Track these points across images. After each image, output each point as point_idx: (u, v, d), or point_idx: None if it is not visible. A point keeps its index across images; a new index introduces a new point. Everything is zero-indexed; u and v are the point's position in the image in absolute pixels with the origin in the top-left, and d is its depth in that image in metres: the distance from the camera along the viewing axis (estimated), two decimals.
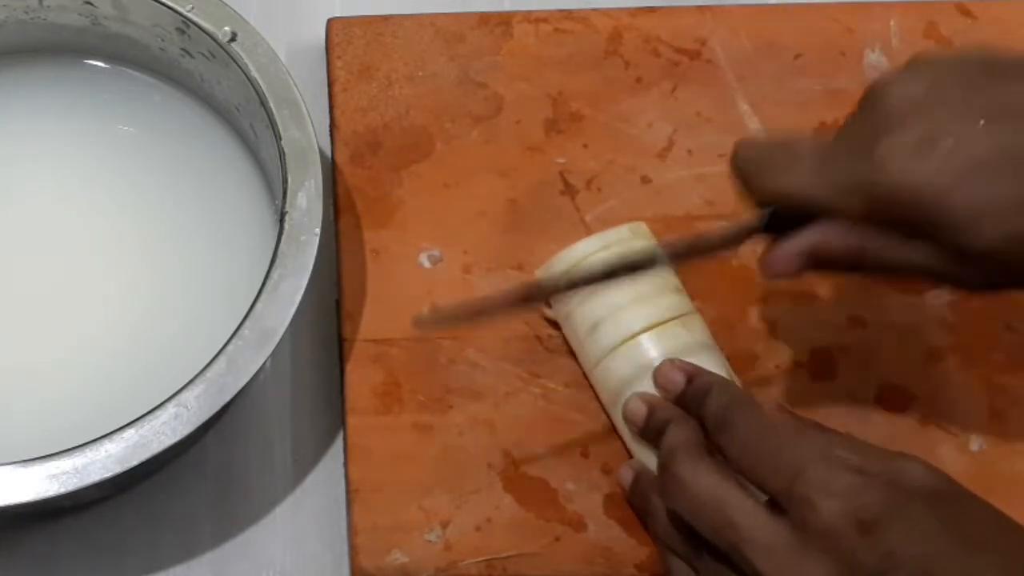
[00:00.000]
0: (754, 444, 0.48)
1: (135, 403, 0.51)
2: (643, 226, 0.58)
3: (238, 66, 0.56)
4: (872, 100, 0.48)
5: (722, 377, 0.54)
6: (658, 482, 0.51)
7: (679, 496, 0.49)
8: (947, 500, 0.46)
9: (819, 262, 0.50)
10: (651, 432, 0.53)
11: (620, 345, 0.55)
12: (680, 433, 0.51)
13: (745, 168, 0.51)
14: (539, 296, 0.56)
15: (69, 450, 0.49)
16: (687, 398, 0.52)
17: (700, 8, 0.66)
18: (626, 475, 0.55)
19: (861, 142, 0.47)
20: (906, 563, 0.44)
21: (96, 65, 0.62)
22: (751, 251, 0.54)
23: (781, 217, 0.50)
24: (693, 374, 0.53)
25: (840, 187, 0.48)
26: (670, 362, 0.54)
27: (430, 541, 0.55)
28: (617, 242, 0.56)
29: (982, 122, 0.46)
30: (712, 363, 0.54)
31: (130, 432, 0.49)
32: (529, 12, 0.65)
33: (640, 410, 0.54)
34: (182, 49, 0.59)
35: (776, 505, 0.46)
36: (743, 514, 0.47)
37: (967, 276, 0.47)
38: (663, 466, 0.50)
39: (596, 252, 0.56)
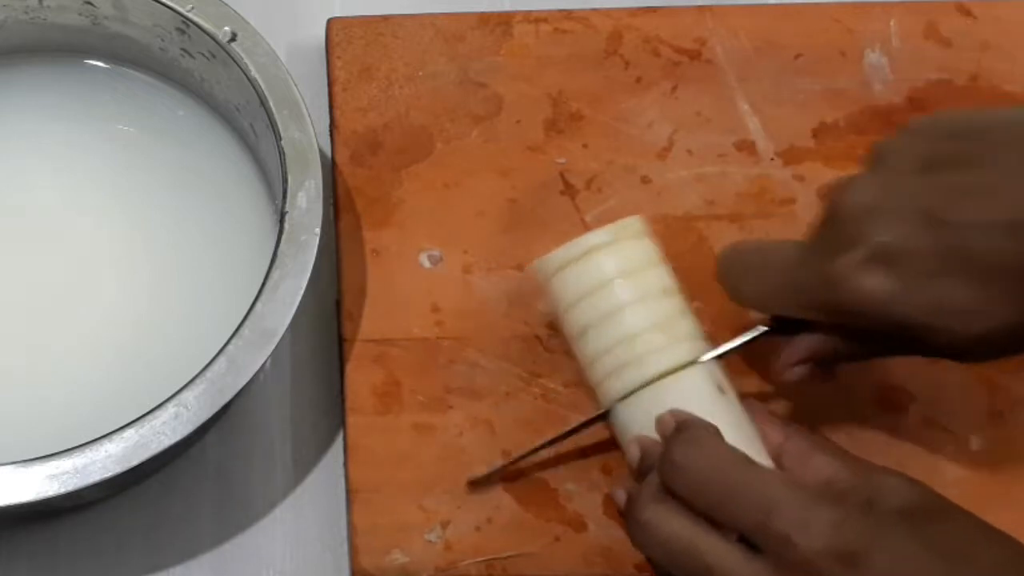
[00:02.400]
0: (713, 482, 0.47)
1: (135, 403, 0.51)
2: (641, 221, 0.55)
3: (238, 66, 0.56)
4: (831, 210, 0.48)
5: (696, 421, 0.50)
6: (629, 531, 0.50)
7: (649, 543, 0.48)
8: (929, 517, 0.45)
9: (823, 363, 0.51)
10: (643, 478, 0.51)
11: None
12: (650, 479, 0.49)
13: (727, 274, 0.53)
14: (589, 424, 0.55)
15: (69, 450, 0.49)
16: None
17: (700, 8, 0.66)
18: (619, 497, 0.54)
19: (821, 256, 0.48)
20: None
21: (96, 65, 0.62)
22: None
23: (783, 320, 0.52)
24: (682, 422, 0.50)
25: (805, 303, 0.49)
26: (670, 413, 0.51)
27: (430, 541, 0.55)
28: (623, 236, 0.54)
29: (929, 225, 0.45)
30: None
31: (130, 432, 0.49)
32: (529, 12, 0.65)
33: (634, 456, 0.52)
34: (182, 49, 0.59)
35: (749, 543, 0.46)
36: (718, 557, 0.46)
37: (962, 357, 0.48)
38: (627, 514, 0.50)
39: (603, 246, 0.53)
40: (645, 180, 0.62)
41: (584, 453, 0.57)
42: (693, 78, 0.64)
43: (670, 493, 0.48)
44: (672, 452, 0.48)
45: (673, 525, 0.47)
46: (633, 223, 0.54)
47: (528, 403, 0.58)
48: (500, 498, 0.56)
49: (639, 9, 0.66)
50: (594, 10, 0.66)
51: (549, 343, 0.59)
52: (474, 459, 0.56)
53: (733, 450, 0.48)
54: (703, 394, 0.51)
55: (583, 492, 0.56)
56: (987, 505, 0.47)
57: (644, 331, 0.52)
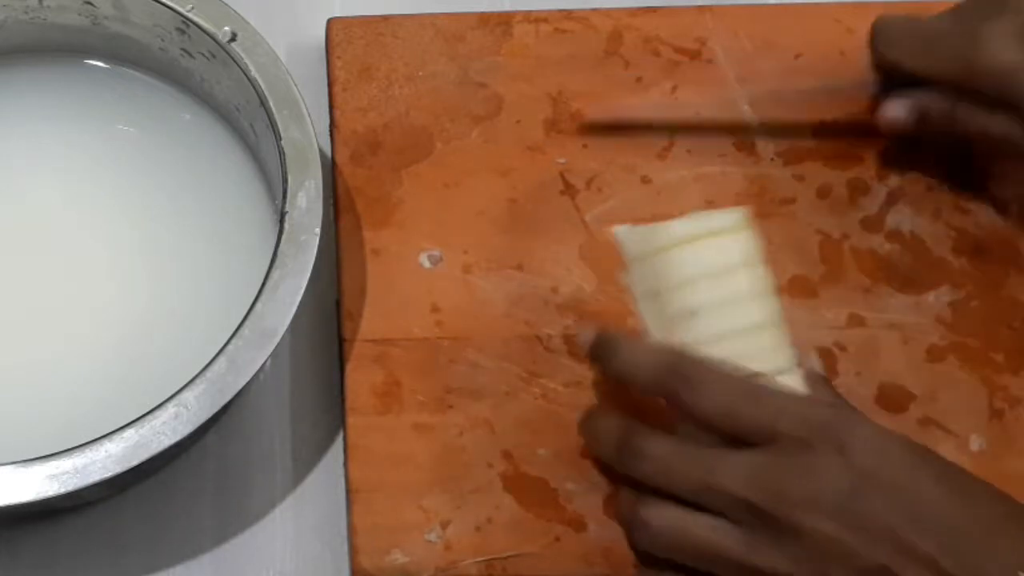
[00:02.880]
0: (729, 395, 0.50)
1: (135, 403, 0.51)
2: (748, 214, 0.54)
3: (238, 66, 0.56)
4: None
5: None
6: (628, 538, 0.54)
7: (648, 541, 0.52)
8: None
9: (920, 120, 0.58)
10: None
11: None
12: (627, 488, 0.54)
13: (876, 39, 0.59)
14: None
15: (69, 450, 0.49)
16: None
17: (700, 8, 0.66)
18: (584, 337, 0.56)
19: (970, 23, 0.55)
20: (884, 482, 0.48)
21: (96, 65, 0.62)
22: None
23: (896, 82, 0.59)
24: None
25: (943, 59, 0.56)
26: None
27: (430, 541, 0.55)
28: (741, 225, 0.53)
29: None
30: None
31: (130, 432, 0.49)
32: (529, 12, 0.65)
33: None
34: (182, 49, 0.59)
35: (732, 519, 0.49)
36: (707, 531, 0.49)
37: None
38: (623, 522, 0.54)
39: (726, 231, 0.53)
40: (645, 180, 0.62)
41: (584, 453, 0.57)
42: (693, 78, 0.64)
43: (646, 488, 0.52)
44: (625, 450, 0.52)
45: (672, 517, 0.50)
46: (744, 214, 0.53)
47: (528, 403, 0.58)
48: (500, 498, 0.56)
49: (639, 9, 0.66)
50: (594, 10, 0.66)
51: (549, 343, 0.59)
52: (474, 459, 0.56)
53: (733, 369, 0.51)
54: None
55: (583, 492, 0.56)
56: None
57: (769, 326, 0.52)
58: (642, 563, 0.53)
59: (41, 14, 0.59)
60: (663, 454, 0.51)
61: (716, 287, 0.52)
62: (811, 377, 0.53)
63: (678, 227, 0.53)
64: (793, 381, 0.52)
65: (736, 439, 0.50)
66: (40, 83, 0.61)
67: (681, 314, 0.52)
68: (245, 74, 0.56)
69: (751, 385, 0.50)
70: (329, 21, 0.65)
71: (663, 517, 0.51)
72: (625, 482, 0.53)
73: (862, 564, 0.47)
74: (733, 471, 0.49)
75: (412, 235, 0.61)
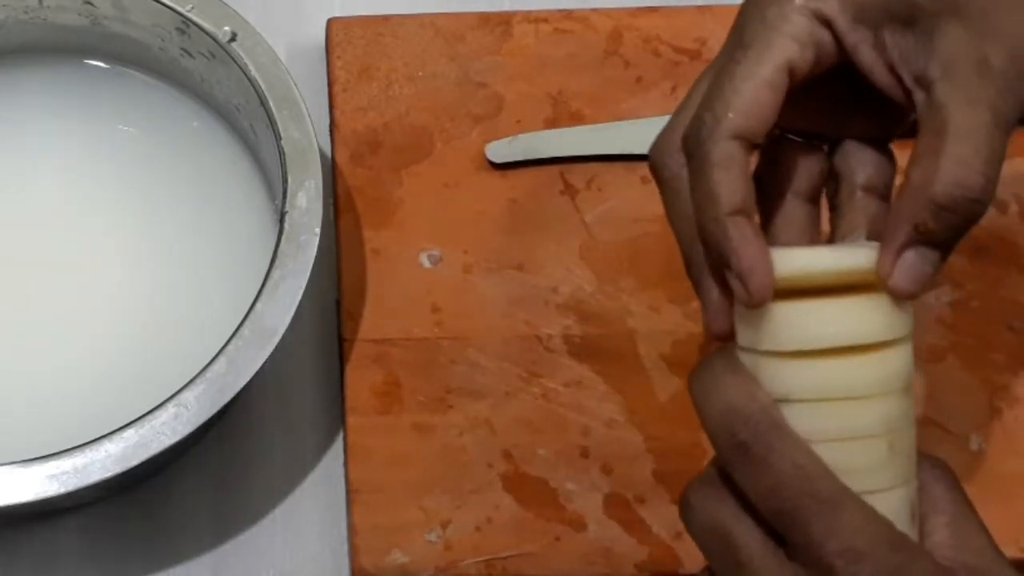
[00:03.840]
0: (774, 498, 0.39)
1: (135, 403, 0.51)
2: None
3: (238, 66, 0.56)
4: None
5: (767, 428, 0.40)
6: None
7: (690, 524, 0.42)
8: None
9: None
10: None
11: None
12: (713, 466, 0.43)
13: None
14: None
15: (69, 450, 0.49)
16: None
17: (700, 8, 0.66)
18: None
19: None
20: None
21: (96, 65, 0.62)
22: None
23: None
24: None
25: None
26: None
27: (430, 541, 0.55)
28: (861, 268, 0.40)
29: None
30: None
31: (130, 432, 0.49)
32: (529, 12, 0.65)
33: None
34: (182, 49, 0.59)
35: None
36: (752, 556, 0.40)
37: None
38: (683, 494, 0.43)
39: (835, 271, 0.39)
40: (645, 180, 0.62)
41: (584, 453, 0.57)
42: (693, 78, 0.64)
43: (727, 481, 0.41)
44: (731, 457, 0.40)
45: (716, 513, 0.41)
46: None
47: (528, 403, 0.58)
48: (500, 498, 0.56)
49: (639, 9, 0.65)
50: (594, 10, 0.66)
51: (549, 343, 0.59)
52: (474, 459, 0.56)
53: (802, 463, 0.39)
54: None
55: (583, 492, 0.56)
56: (987, 505, 0.47)
57: (873, 436, 0.39)
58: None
59: (41, 14, 0.59)
60: (708, 522, 0.41)
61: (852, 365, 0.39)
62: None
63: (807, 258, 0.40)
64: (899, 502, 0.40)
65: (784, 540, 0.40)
66: (40, 83, 0.61)
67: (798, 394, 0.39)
68: (245, 74, 0.56)
69: (823, 488, 0.38)
70: (329, 21, 0.65)
71: (715, 511, 0.41)
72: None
73: None
74: None
75: (412, 235, 0.61)
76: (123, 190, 0.60)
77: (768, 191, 0.44)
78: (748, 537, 0.40)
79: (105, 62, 0.62)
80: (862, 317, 0.39)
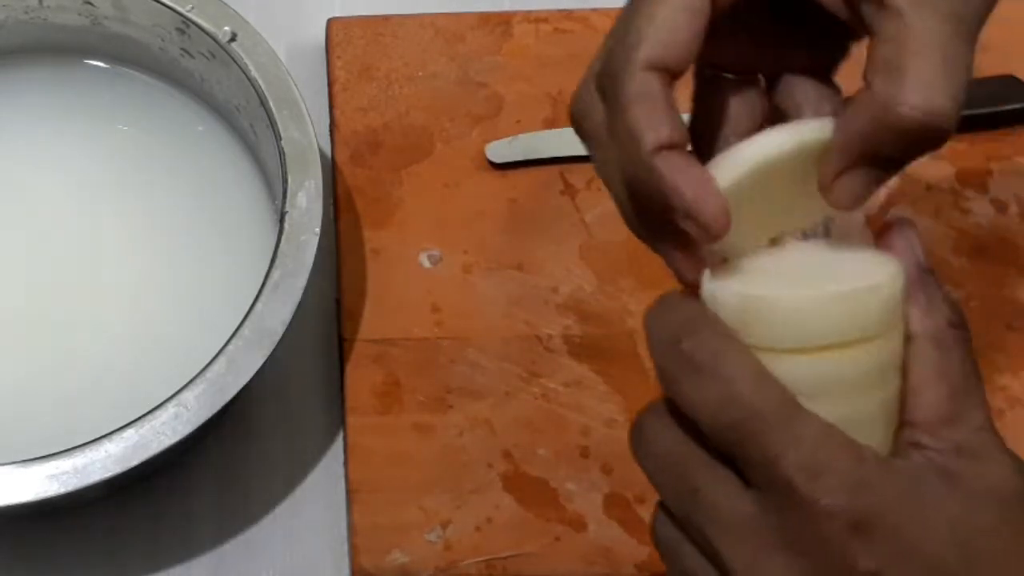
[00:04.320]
0: (722, 413, 0.35)
1: (135, 403, 0.51)
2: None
3: (238, 66, 0.56)
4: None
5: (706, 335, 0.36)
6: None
7: (642, 454, 0.38)
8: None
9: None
10: None
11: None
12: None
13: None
14: None
15: (69, 450, 0.49)
16: None
17: None
18: None
19: None
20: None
21: (96, 65, 0.62)
22: None
23: None
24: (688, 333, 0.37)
25: None
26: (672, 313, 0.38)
27: (430, 541, 0.55)
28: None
29: None
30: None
31: (130, 432, 0.49)
32: (529, 12, 0.65)
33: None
34: (182, 49, 0.59)
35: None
36: (708, 481, 0.36)
37: None
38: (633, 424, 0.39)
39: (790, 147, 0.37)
40: None
41: (584, 453, 0.57)
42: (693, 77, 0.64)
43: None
44: (673, 370, 0.36)
45: (668, 440, 0.37)
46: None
47: (528, 403, 0.58)
48: (500, 498, 0.56)
49: None
50: (594, 10, 0.66)
51: (549, 343, 0.59)
52: (474, 459, 0.56)
53: (751, 372, 0.35)
54: None
55: (583, 492, 0.56)
56: None
57: (873, 421, 0.37)
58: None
59: (41, 14, 0.59)
60: (659, 450, 0.38)
61: (856, 358, 0.36)
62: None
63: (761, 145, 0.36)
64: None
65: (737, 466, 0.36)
66: (40, 83, 0.61)
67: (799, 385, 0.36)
68: (245, 74, 0.56)
69: (776, 396, 0.35)
70: (329, 21, 0.65)
71: (667, 439, 0.37)
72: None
73: None
74: (723, 518, 0.36)
75: (412, 235, 0.61)
76: (123, 190, 0.60)
77: (704, 136, 0.39)
78: (702, 464, 0.36)
79: (105, 62, 0.62)
80: (858, 310, 0.36)
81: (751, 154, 0.36)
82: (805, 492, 0.34)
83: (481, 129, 0.63)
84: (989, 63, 0.65)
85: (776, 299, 0.35)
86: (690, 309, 0.37)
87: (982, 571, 0.34)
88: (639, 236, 0.39)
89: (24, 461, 0.49)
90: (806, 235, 0.38)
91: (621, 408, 0.58)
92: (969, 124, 0.64)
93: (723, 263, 0.38)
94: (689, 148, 0.36)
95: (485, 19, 0.65)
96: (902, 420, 0.36)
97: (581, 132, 0.39)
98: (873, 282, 0.36)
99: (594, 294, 0.60)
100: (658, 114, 0.35)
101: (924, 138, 0.35)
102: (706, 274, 0.37)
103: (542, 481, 0.56)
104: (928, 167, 0.63)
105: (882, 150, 0.36)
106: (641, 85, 0.35)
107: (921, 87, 0.34)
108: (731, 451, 0.35)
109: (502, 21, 0.65)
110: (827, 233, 0.39)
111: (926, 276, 0.37)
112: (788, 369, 0.36)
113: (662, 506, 0.38)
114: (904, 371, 0.36)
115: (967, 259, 0.61)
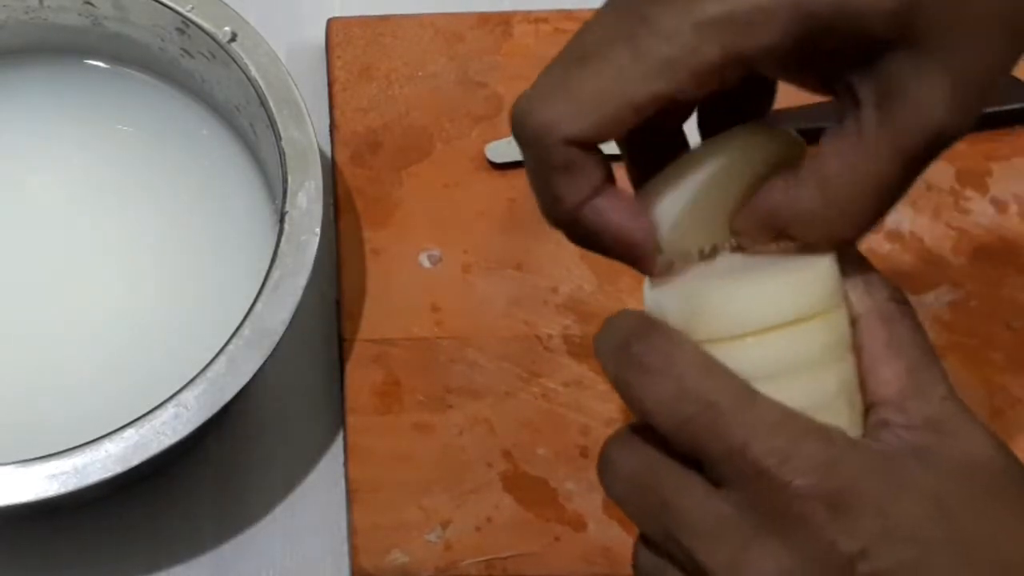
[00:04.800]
0: (676, 409, 0.35)
1: (135, 403, 0.51)
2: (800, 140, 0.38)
3: (238, 66, 0.56)
4: None
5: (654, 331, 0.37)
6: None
7: (610, 483, 0.37)
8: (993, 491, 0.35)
9: None
10: None
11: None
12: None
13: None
14: None
15: (69, 450, 0.49)
16: None
17: None
18: None
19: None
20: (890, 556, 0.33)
21: (96, 65, 0.62)
22: None
23: None
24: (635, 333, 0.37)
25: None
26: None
27: (430, 541, 0.55)
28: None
29: None
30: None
31: (130, 432, 0.49)
32: (529, 12, 0.65)
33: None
34: (182, 49, 0.59)
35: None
36: (676, 489, 0.35)
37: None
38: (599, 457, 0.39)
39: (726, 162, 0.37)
40: None
41: (584, 453, 0.57)
42: None
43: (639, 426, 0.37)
44: (626, 375, 0.36)
45: (633, 460, 0.36)
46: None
47: (528, 403, 0.58)
48: (500, 498, 0.56)
49: None
50: (594, 10, 0.65)
51: (549, 343, 0.59)
52: (474, 459, 0.56)
53: (702, 365, 0.35)
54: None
55: (583, 492, 0.56)
56: None
57: (832, 401, 0.36)
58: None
59: (41, 14, 0.59)
60: (625, 472, 0.37)
61: (785, 343, 0.36)
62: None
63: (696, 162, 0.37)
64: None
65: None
66: (40, 83, 0.61)
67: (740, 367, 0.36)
68: (245, 74, 0.56)
69: (729, 385, 0.35)
70: (329, 21, 0.65)
71: (633, 459, 0.37)
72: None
73: None
74: (696, 522, 0.35)
75: (412, 235, 0.61)
76: (123, 190, 0.60)
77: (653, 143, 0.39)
78: (668, 475, 0.36)
79: (105, 62, 0.62)
80: (798, 287, 0.36)
81: (693, 166, 0.37)
82: (777, 475, 0.33)
83: (481, 129, 0.63)
84: None
85: (714, 288, 0.36)
86: (636, 316, 0.37)
87: (970, 543, 0.34)
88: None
89: (24, 461, 0.49)
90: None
91: (621, 408, 0.58)
92: None
93: (668, 268, 0.38)
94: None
95: (485, 19, 0.65)
96: (867, 404, 0.36)
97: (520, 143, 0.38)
98: (808, 261, 0.36)
99: (594, 294, 0.60)
100: (579, 180, 0.36)
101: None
102: (647, 283, 0.38)
103: (542, 481, 0.57)
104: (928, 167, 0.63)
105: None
106: (567, 157, 0.35)
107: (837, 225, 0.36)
108: (693, 451, 0.35)
109: (502, 21, 0.65)
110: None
111: (860, 259, 0.38)
112: (738, 356, 0.35)
113: (642, 538, 0.37)
114: (857, 353, 0.36)
115: (967, 259, 0.61)
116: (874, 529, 0.33)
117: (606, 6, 0.36)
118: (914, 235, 0.62)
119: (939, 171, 0.64)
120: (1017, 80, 0.65)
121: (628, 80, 0.34)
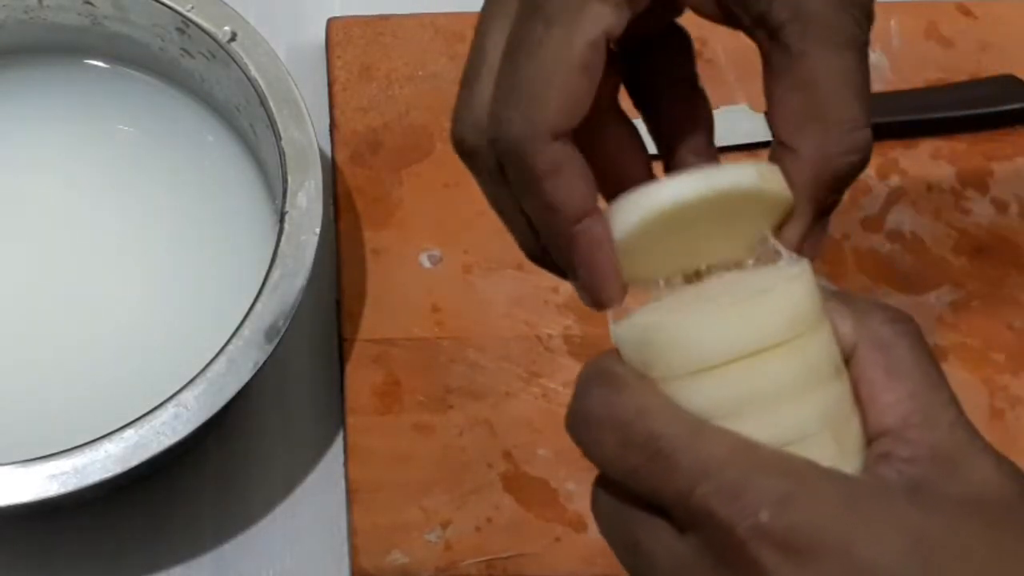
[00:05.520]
0: (635, 440, 0.33)
1: (135, 403, 0.51)
2: (776, 172, 0.36)
3: (238, 66, 0.56)
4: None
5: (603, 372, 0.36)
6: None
7: (595, 515, 0.38)
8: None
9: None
10: None
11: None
12: None
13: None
14: None
15: (69, 450, 0.49)
16: None
17: None
18: None
19: None
20: None
21: (96, 65, 0.62)
22: None
23: None
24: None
25: None
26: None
27: (430, 541, 0.55)
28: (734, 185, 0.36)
29: None
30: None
31: (130, 432, 0.49)
32: None
33: None
34: (182, 49, 0.59)
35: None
36: (647, 533, 0.34)
37: None
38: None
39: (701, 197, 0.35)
40: None
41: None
42: None
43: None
44: (575, 432, 0.36)
45: (611, 501, 0.36)
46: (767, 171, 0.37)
47: (528, 403, 0.58)
48: (500, 498, 0.56)
49: None
50: None
51: (549, 343, 0.59)
52: (474, 459, 0.56)
53: (644, 409, 0.33)
54: None
55: (583, 492, 0.56)
56: None
57: (813, 434, 0.33)
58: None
59: (41, 14, 0.59)
60: (607, 510, 0.37)
61: (742, 376, 0.33)
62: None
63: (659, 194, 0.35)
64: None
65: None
66: (40, 83, 0.61)
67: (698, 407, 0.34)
68: (245, 74, 0.56)
69: (671, 422, 0.33)
70: (329, 21, 0.65)
71: (608, 509, 0.36)
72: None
73: None
74: (660, 566, 0.34)
75: (412, 235, 0.61)
76: (123, 190, 0.60)
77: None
78: (640, 517, 0.34)
79: (105, 62, 0.62)
80: (755, 316, 0.33)
81: (660, 199, 0.35)
82: (724, 518, 0.31)
83: None
84: (989, 63, 0.66)
85: (667, 322, 0.34)
86: (590, 365, 0.36)
87: None
88: (535, 262, 0.39)
89: (24, 461, 0.49)
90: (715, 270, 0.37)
91: None
92: (969, 124, 0.65)
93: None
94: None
95: None
96: (870, 437, 0.33)
97: (472, 167, 0.38)
98: (766, 287, 0.34)
99: None
100: (574, 184, 0.35)
101: (855, 175, 0.35)
102: (609, 314, 0.36)
103: (542, 481, 0.56)
104: (928, 167, 0.64)
105: (829, 200, 0.36)
106: (553, 157, 0.34)
107: (849, 131, 0.34)
108: (650, 498, 0.33)
109: None
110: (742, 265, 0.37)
111: (845, 293, 0.36)
112: (697, 393, 0.33)
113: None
114: (856, 385, 0.34)
115: (967, 259, 0.61)
116: (833, 572, 0.30)
117: (485, 7, 0.36)
118: (915, 235, 0.62)
119: (940, 171, 0.64)
120: (1017, 80, 0.65)
121: (562, 45, 0.33)
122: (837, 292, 0.36)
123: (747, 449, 0.32)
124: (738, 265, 0.37)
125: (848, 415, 0.34)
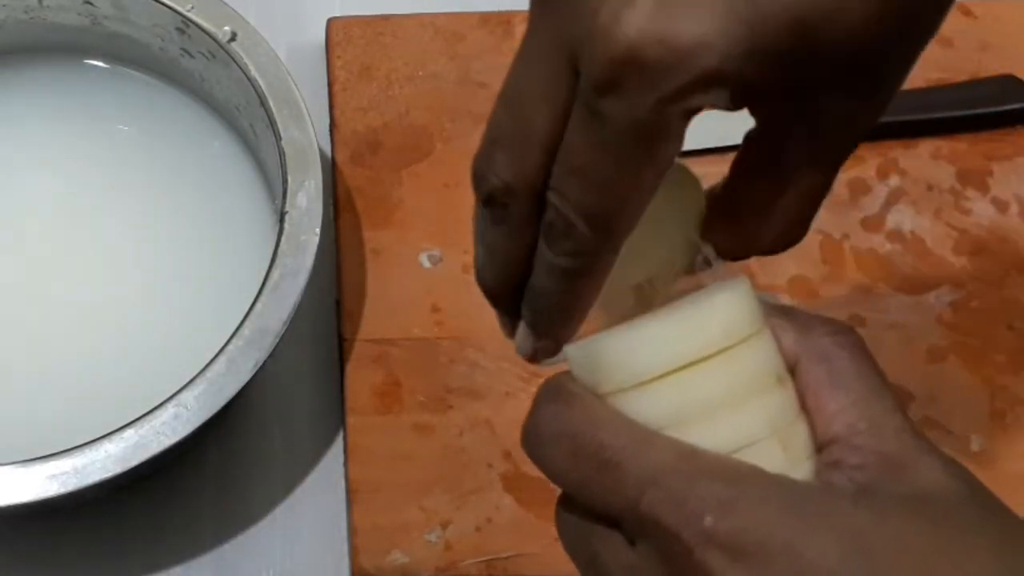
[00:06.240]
0: (583, 450, 0.34)
1: (135, 403, 0.51)
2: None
3: (238, 66, 0.56)
4: None
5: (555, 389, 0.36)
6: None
7: (559, 531, 0.38)
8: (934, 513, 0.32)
9: None
10: None
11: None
12: None
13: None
14: None
15: (69, 450, 0.49)
16: None
17: None
18: None
19: None
20: None
21: (96, 65, 0.62)
22: None
23: None
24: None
25: None
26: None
27: (430, 541, 0.55)
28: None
29: None
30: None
31: (130, 432, 0.49)
32: None
33: None
34: (182, 49, 0.59)
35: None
36: (603, 544, 0.35)
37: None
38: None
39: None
40: None
41: None
42: None
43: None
44: (529, 450, 0.36)
45: (571, 517, 0.36)
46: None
47: (528, 403, 0.57)
48: (500, 498, 0.56)
49: None
50: None
51: None
52: (474, 459, 0.56)
53: (592, 421, 0.34)
54: None
55: None
56: None
57: (758, 440, 0.34)
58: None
59: (41, 14, 0.59)
60: (566, 526, 0.37)
61: (687, 385, 0.34)
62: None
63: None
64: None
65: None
66: (40, 83, 0.61)
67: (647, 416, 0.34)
68: (245, 74, 0.56)
69: (628, 439, 0.33)
70: (329, 21, 0.65)
71: (569, 528, 0.37)
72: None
73: None
74: (613, 573, 0.34)
75: (412, 235, 0.61)
76: (123, 190, 0.60)
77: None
78: (596, 530, 0.35)
79: (105, 62, 0.62)
80: (690, 327, 0.34)
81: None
82: (670, 525, 0.31)
83: (481, 129, 0.63)
84: (989, 63, 0.66)
85: (611, 339, 0.35)
86: (542, 387, 0.36)
87: None
88: (493, 298, 0.41)
89: (24, 461, 0.49)
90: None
91: None
92: (969, 124, 0.65)
93: None
94: None
95: (485, 19, 0.65)
96: (819, 445, 0.34)
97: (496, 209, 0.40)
98: (699, 299, 0.35)
99: None
100: (670, 148, 0.38)
101: None
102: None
103: (542, 481, 0.56)
104: (928, 167, 0.64)
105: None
106: (682, 108, 0.37)
107: None
108: (602, 511, 0.34)
109: (502, 21, 0.65)
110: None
111: (788, 307, 0.36)
112: (643, 404, 0.34)
113: None
114: (802, 397, 0.34)
115: (967, 259, 0.61)
116: (780, 574, 0.31)
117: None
118: (915, 235, 0.62)
119: (940, 171, 0.64)
120: (1017, 80, 0.65)
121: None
122: (781, 306, 0.36)
123: (692, 456, 0.33)
124: (677, 275, 0.37)
125: (793, 421, 0.34)
